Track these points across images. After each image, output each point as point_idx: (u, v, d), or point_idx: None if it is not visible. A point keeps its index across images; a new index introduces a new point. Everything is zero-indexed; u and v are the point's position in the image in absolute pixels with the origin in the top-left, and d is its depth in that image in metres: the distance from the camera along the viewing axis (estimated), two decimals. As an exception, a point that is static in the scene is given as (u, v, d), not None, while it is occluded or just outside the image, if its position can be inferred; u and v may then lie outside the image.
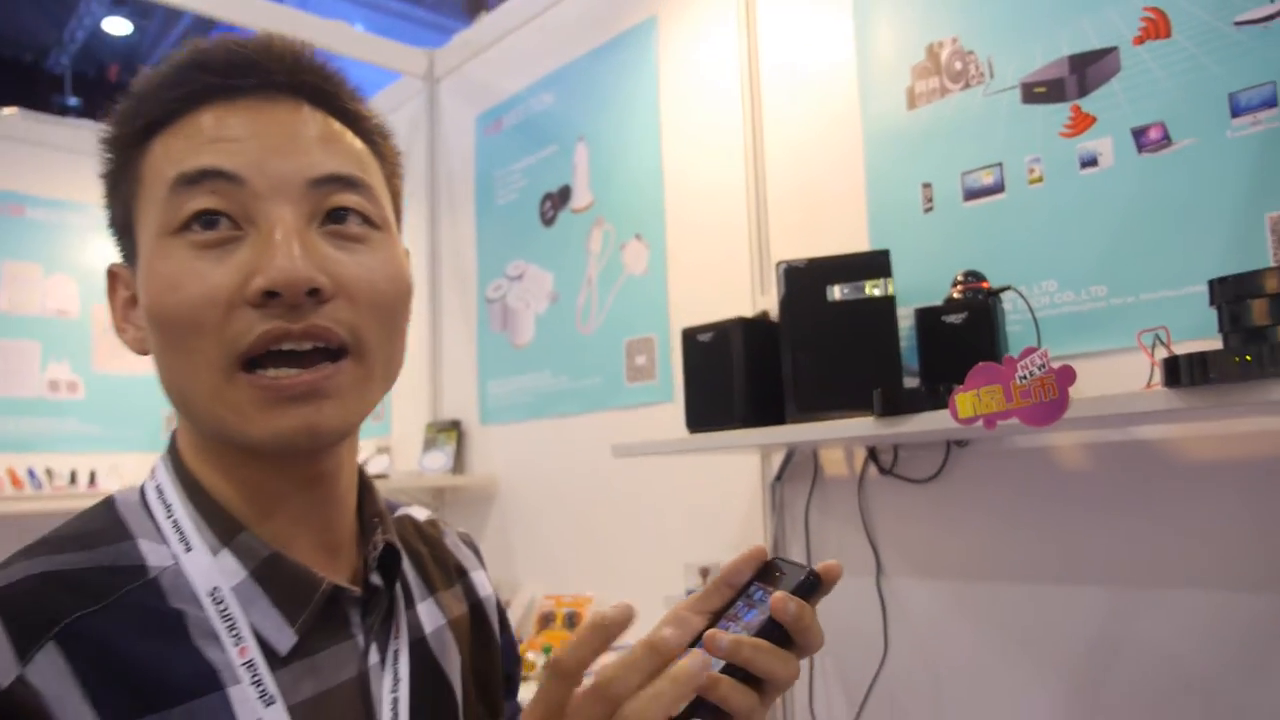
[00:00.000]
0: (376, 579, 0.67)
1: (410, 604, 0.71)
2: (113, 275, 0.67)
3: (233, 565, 0.60)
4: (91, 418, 3.31)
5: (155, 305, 0.59)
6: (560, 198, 2.51)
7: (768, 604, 0.57)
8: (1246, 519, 1.34)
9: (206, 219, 0.58)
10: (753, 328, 1.56)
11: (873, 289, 1.43)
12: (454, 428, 2.76)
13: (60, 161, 3.28)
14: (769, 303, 1.85)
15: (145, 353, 0.65)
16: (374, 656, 0.64)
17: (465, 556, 0.83)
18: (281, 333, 0.57)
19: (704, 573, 2.00)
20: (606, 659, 0.56)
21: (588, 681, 0.53)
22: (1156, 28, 1.47)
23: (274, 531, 0.63)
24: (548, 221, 2.55)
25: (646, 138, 2.28)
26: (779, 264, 1.51)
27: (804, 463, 1.86)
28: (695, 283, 2.15)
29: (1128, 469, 1.46)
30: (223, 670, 0.56)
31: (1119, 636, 1.46)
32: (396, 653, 0.66)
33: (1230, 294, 1.12)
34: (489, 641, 0.80)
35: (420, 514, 0.84)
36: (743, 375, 1.51)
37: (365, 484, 0.71)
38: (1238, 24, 1.39)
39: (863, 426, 1.32)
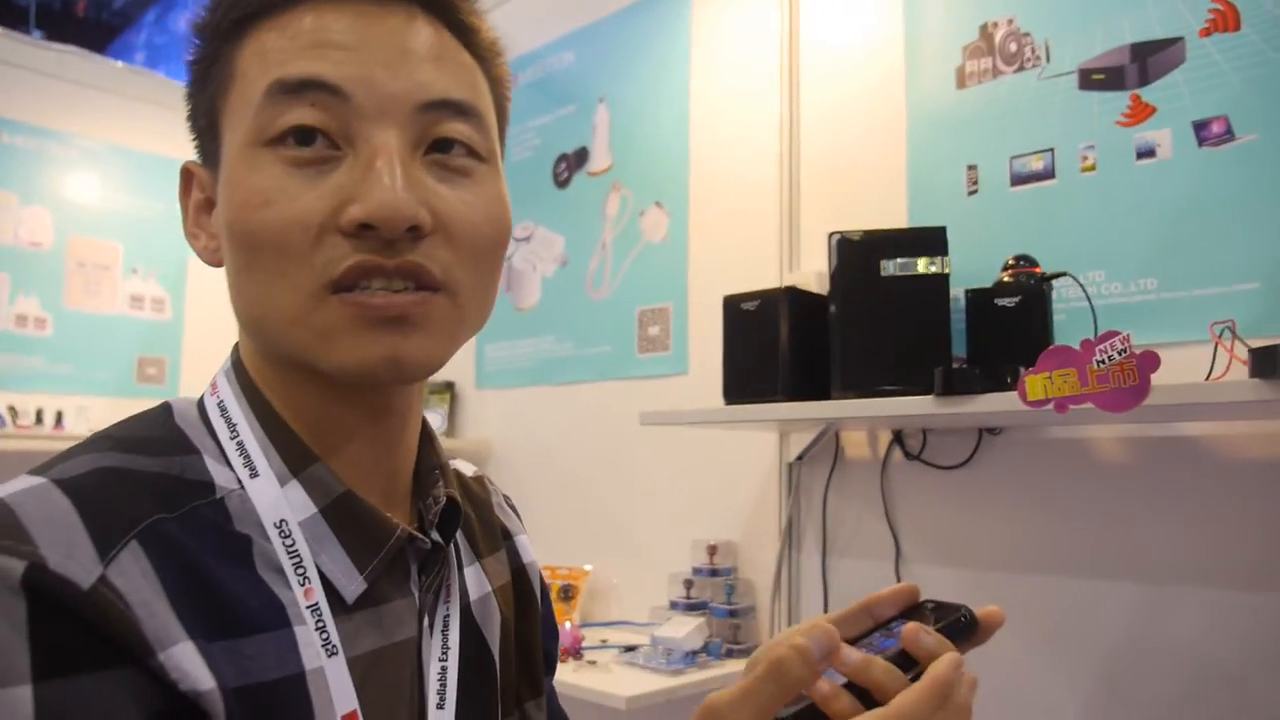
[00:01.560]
0: (436, 535, 0.62)
1: (459, 567, 0.66)
2: (187, 174, 0.61)
3: (301, 499, 0.55)
4: (60, 356, 3.17)
5: (239, 220, 0.53)
6: (576, 159, 2.44)
7: None
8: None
9: (303, 134, 0.52)
10: (798, 298, 1.52)
11: (928, 266, 1.39)
12: (447, 389, 2.69)
13: (45, 88, 3.11)
14: (797, 279, 1.80)
15: (217, 264, 0.59)
16: (425, 619, 0.60)
17: (510, 519, 0.78)
18: (374, 266, 0.52)
19: (711, 550, 1.96)
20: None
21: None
22: (1225, 20, 1.45)
23: (339, 469, 0.57)
24: (561, 183, 2.48)
25: (674, 103, 2.22)
26: (831, 234, 1.47)
27: (825, 444, 1.83)
28: (718, 254, 2.10)
29: (1168, 465, 1.44)
30: (289, 607, 0.52)
31: (1150, 634, 1.45)
32: (447, 618, 0.62)
33: (1311, 290, 1.10)
34: (530, 609, 0.75)
35: (467, 469, 0.78)
36: (788, 346, 1.46)
37: (426, 433, 0.66)
38: (1312, 21, 1.37)
39: (920, 405, 1.28)
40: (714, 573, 1.94)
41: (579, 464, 2.34)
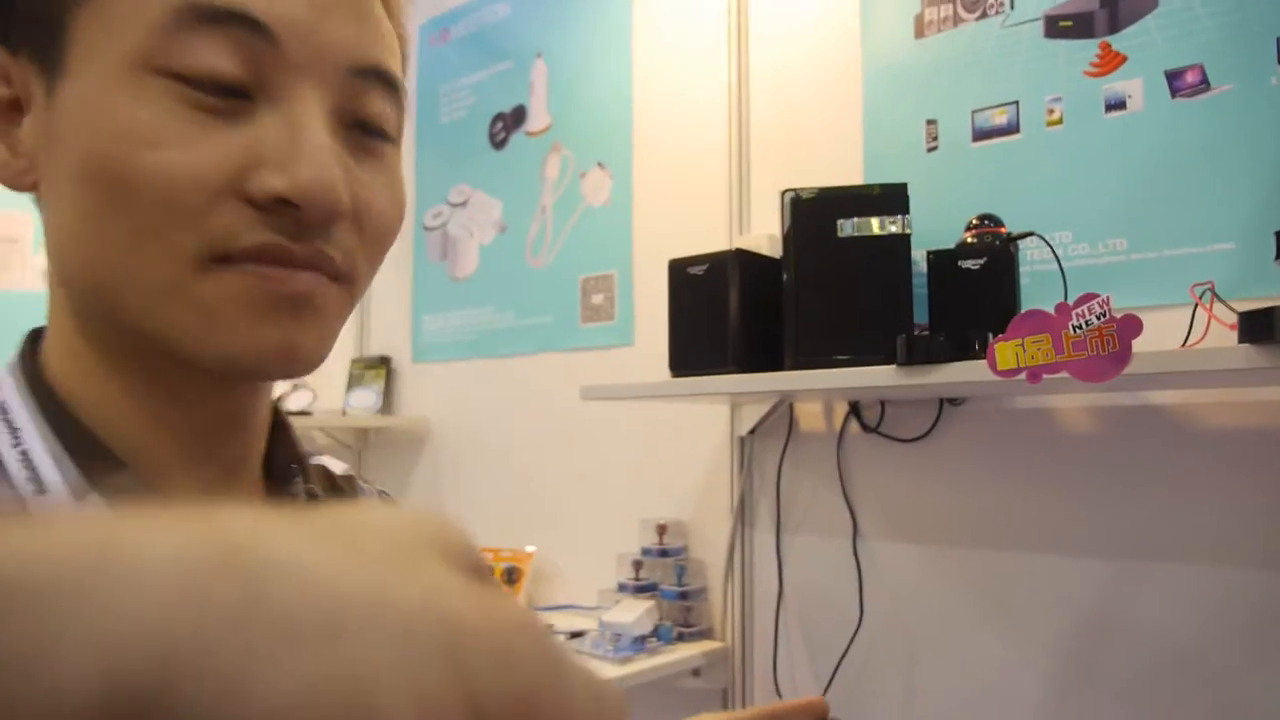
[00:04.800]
0: None
1: None
2: None
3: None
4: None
5: (111, 155, 0.41)
6: (513, 119, 2.30)
7: None
8: (1262, 493, 1.27)
9: (216, 84, 0.42)
10: (749, 261, 1.41)
11: (889, 226, 1.29)
12: (383, 364, 2.54)
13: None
14: (748, 242, 1.70)
15: (27, 188, 0.46)
16: None
17: None
18: (283, 252, 0.43)
19: (661, 530, 1.86)
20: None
21: None
22: (1200, -38, 1.36)
23: (159, 475, 0.47)
24: (498, 144, 2.34)
25: (616, 58, 2.09)
26: (784, 192, 1.36)
27: (778, 417, 1.73)
28: (663, 218, 1.98)
29: (1139, 435, 1.37)
30: None
31: (1116, 612, 1.38)
32: None
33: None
34: None
35: (336, 466, 0.68)
36: (738, 314, 1.35)
37: (280, 423, 0.57)
38: (1291, -38, 1.29)
39: (881, 376, 1.19)
40: (663, 553, 1.85)
41: (520, 440, 2.22)
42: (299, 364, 0.46)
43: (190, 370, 0.46)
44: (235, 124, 0.42)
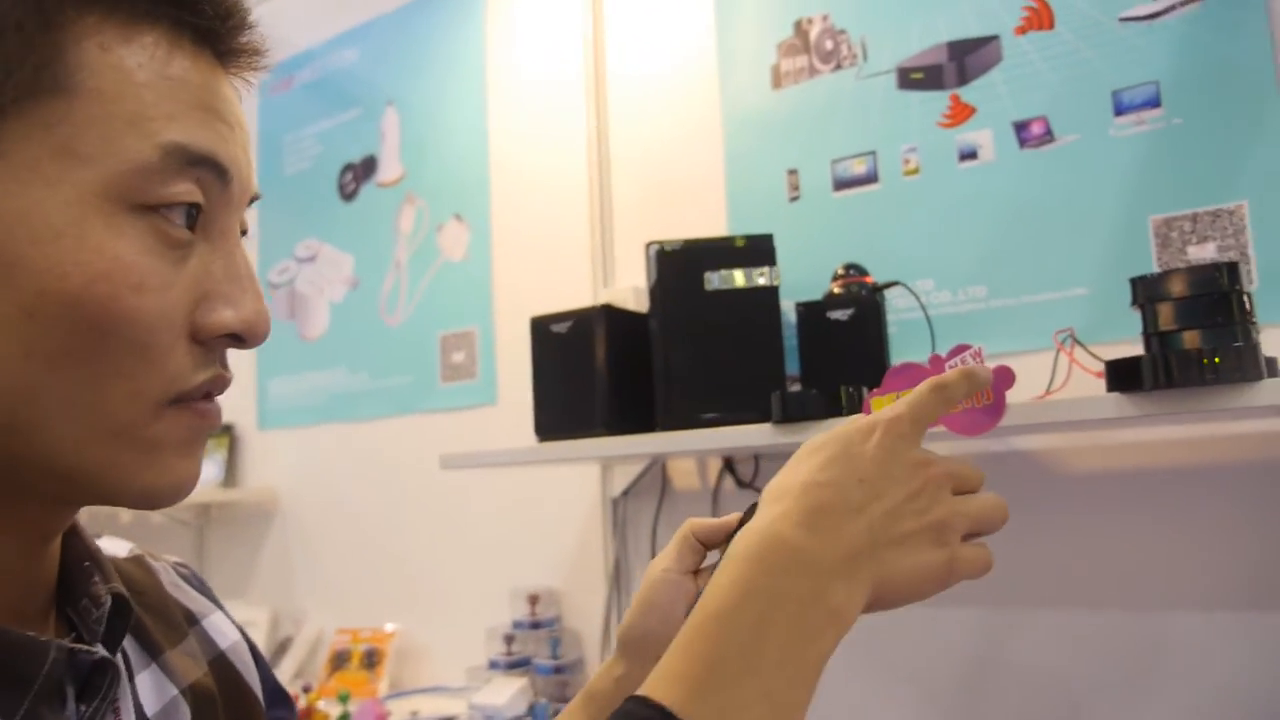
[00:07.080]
0: (101, 649, 0.48)
1: (129, 677, 0.52)
2: None
3: None
4: None
5: (90, 297, 0.40)
6: (364, 169, 2.18)
7: None
8: (1130, 535, 1.29)
9: (192, 214, 0.44)
10: (617, 317, 1.34)
11: (757, 278, 1.26)
12: (225, 432, 2.35)
13: None
14: (612, 296, 1.64)
15: None
16: None
17: (191, 598, 0.63)
18: (221, 385, 0.47)
19: (533, 600, 1.76)
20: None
21: None
22: (1039, 18, 1.41)
23: None
24: (348, 196, 2.21)
25: (469, 106, 2.01)
26: (649, 244, 1.30)
27: (651, 475, 1.67)
28: (525, 271, 1.90)
29: (1004, 482, 1.37)
30: None
31: (994, 660, 1.37)
32: None
33: (1151, 293, 1.03)
34: (243, 701, 0.62)
35: (119, 548, 0.62)
36: (606, 373, 1.28)
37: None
38: (1122, 20, 1.34)
39: (758, 435, 1.14)
40: (536, 625, 1.74)
41: (379, 510, 2.07)
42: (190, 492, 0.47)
43: (42, 498, 0.45)
44: (185, 261, 0.44)
